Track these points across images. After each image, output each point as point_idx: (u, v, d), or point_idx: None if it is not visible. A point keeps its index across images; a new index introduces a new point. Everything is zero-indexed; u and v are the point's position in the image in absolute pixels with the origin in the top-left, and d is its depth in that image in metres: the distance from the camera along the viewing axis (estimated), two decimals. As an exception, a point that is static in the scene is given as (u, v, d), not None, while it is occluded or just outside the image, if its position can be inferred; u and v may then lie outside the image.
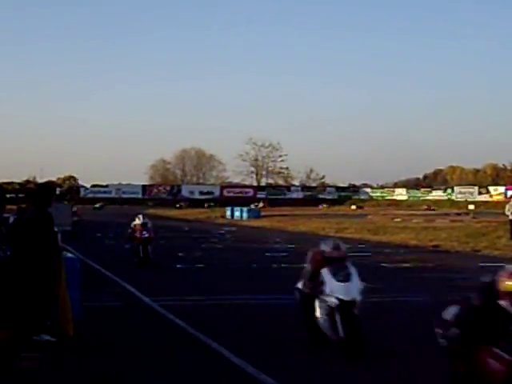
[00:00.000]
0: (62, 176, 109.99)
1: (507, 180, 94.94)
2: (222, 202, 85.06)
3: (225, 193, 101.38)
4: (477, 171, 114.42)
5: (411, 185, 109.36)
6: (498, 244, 24.97)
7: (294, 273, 17.19)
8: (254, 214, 57.78)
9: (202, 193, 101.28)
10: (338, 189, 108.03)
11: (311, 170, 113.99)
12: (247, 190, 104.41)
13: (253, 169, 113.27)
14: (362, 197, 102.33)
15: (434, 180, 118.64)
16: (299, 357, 8.09)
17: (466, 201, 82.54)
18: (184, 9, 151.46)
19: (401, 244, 27.56)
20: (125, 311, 11.34)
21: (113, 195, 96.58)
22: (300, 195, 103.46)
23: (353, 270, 8.38)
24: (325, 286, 8.07)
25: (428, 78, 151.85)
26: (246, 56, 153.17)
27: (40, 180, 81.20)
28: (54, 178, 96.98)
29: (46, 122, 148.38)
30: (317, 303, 8.27)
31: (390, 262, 19.91)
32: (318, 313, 8.26)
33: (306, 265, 9.43)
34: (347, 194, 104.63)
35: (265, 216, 56.49)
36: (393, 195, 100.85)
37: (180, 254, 21.71)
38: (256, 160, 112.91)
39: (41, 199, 9.14)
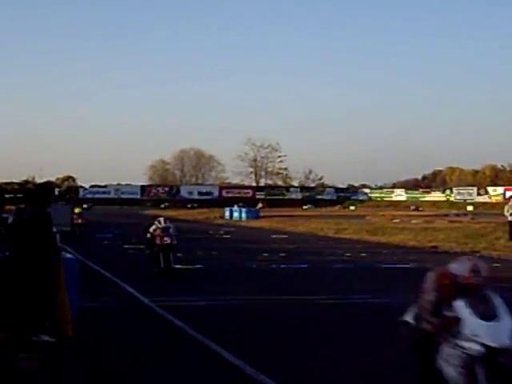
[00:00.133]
0: (60, 176, 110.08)
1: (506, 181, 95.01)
2: (221, 202, 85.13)
3: (224, 193, 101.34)
4: (476, 172, 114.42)
5: (410, 186, 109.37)
6: (496, 245, 24.98)
7: (293, 273, 17.34)
8: (253, 215, 57.77)
9: (200, 193, 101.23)
10: (337, 189, 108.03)
11: (310, 171, 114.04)
12: (246, 190, 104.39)
13: (252, 169, 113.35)
14: (361, 197, 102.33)
15: (432, 181, 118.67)
16: (298, 357, 8.09)
17: (465, 202, 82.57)
18: (184, 9, 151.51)
19: (399, 245, 27.58)
20: (124, 312, 11.34)
21: (112, 196, 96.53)
22: (299, 196, 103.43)
23: (499, 302, 6.13)
24: (461, 326, 5.71)
25: (427, 79, 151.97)
26: (245, 56, 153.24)
27: (39, 180, 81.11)
28: (52, 179, 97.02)
29: (46, 122, 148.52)
30: (445, 349, 5.85)
31: (388, 262, 19.91)
32: (447, 363, 5.89)
33: (426, 292, 6.62)
34: (346, 194, 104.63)
35: (264, 216, 56.48)
36: (392, 196, 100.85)
37: (178, 255, 21.69)
38: (255, 160, 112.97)
39: (39, 199, 9.15)
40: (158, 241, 16.02)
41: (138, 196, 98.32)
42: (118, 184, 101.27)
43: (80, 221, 29.53)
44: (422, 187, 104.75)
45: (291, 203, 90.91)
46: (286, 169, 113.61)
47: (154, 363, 7.69)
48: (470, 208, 71.20)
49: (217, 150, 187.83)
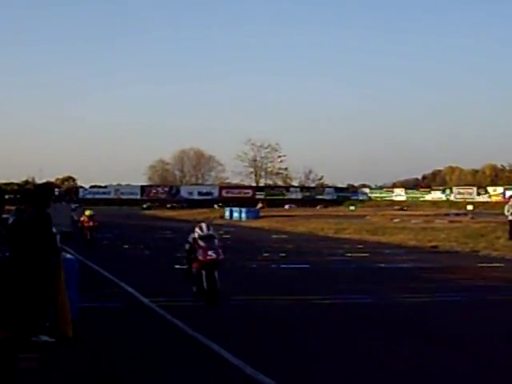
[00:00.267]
0: (60, 177, 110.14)
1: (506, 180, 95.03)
2: (221, 202, 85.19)
3: (224, 193, 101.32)
4: (475, 172, 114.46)
5: (410, 185, 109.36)
6: (496, 244, 24.98)
7: (293, 273, 17.31)
8: (253, 215, 57.77)
9: (200, 193, 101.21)
10: (337, 189, 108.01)
11: (310, 171, 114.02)
12: (246, 190, 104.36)
13: (252, 169, 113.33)
14: (361, 197, 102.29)
15: (432, 180, 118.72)
16: (298, 357, 8.08)
17: (465, 201, 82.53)
18: (184, 9, 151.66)
19: (400, 244, 27.58)
20: (123, 312, 11.32)
21: (112, 196, 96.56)
22: (299, 196, 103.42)
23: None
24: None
25: (427, 79, 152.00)
26: (245, 57, 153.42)
27: (39, 181, 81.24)
28: (52, 179, 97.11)
29: (45, 122, 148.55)
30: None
31: (388, 262, 19.91)
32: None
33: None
34: (346, 194, 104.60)
35: (264, 216, 56.49)
36: (391, 196, 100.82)
37: (179, 255, 21.66)
38: (255, 161, 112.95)
39: (39, 200, 9.13)
40: (200, 255, 12.19)
41: (138, 196, 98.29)
42: (118, 184, 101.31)
43: (91, 223, 26.20)
44: (421, 187, 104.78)
45: (291, 203, 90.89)
46: (285, 169, 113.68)
47: (154, 363, 7.67)
48: (469, 207, 71.22)
49: (217, 150, 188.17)
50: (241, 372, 7.30)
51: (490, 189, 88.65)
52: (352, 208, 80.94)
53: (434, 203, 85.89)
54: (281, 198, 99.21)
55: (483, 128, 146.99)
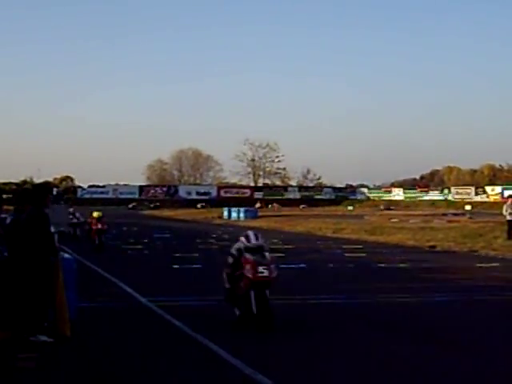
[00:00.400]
0: (58, 176, 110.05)
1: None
2: (219, 202, 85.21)
3: (222, 193, 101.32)
4: (474, 171, 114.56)
5: (408, 185, 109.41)
6: (494, 244, 24.99)
7: (292, 273, 17.28)
8: (251, 215, 57.77)
9: (198, 193, 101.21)
10: (335, 189, 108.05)
11: (308, 171, 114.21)
12: (244, 190, 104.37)
13: (250, 169, 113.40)
14: (359, 197, 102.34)
15: (430, 180, 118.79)
16: (297, 357, 8.07)
17: (463, 201, 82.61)
18: (183, 9, 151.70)
19: (398, 244, 27.57)
20: (122, 312, 11.31)
21: (110, 196, 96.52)
22: (297, 196, 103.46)
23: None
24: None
25: (425, 79, 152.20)
26: (243, 57, 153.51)
27: (37, 180, 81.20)
28: (50, 179, 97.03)
29: (43, 122, 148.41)
30: None
31: (387, 262, 19.90)
32: None
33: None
34: (344, 194, 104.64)
35: (262, 216, 56.48)
36: (390, 196, 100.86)
37: (177, 255, 21.68)
38: (253, 160, 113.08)
39: (37, 200, 9.11)
40: (248, 272, 9.63)
41: (136, 196, 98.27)
42: (116, 184, 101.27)
43: (100, 226, 23.67)
44: (420, 187, 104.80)
45: (289, 203, 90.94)
46: (284, 169, 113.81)
47: (153, 363, 7.66)
48: (468, 207, 71.30)
49: (215, 150, 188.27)
50: (240, 372, 7.29)
51: (488, 188, 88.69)
52: (350, 208, 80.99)
53: (433, 203, 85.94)
54: (279, 197, 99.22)
55: (481, 128, 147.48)
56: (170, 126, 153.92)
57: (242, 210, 59.50)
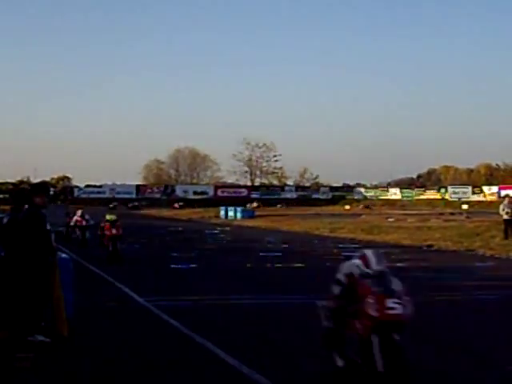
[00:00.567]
0: (55, 176, 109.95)
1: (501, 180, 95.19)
2: (216, 201, 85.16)
3: (219, 193, 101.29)
4: (470, 171, 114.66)
5: (405, 184, 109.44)
6: (491, 243, 25.02)
7: (289, 273, 17.30)
8: (248, 214, 57.78)
9: (195, 193, 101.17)
10: (332, 189, 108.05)
11: (305, 170, 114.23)
12: (241, 189, 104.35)
13: (247, 169, 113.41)
14: (356, 197, 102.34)
15: (427, 180, 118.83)
16: (295, 357, 8.08)
17: (460, 200, 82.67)
18: (181, 10, 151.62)
19: (395, 244, 27.58)
20: (119, 312, 11.30)
21: (107, 195, 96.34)
22: (294, 195, 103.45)
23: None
24: None
25: (423, 79, 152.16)
26: (240, 56, 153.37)
27: (34, 180, 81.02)
28: (47, 178, 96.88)
29: (40, 121, 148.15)
30: None
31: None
32: None
33: None
34: (341, 193, 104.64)
35: (259, 216, 56.49)
36: (386, 195, 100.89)
37: (174, 254, 21.68)
38: (250, 160, 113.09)
39: (33, 200, 9.08)
40: (371, 308, 6.55)
41: (133, 196, 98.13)
42: (113, 184, 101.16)
43: (114, 232, 20.13)
44: (416, 186, 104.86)
45: (286, 202, 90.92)
46: (280, 168, 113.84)
47: (150, 363, 7.65)
48: (464, 207, 71.33)
49: (212, 149, 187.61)
50: (237, 372, 7.29)
51: (484, 188, 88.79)
52: (347, 207, 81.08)
53: (429, 202, 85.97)
54: (276, 197, 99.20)
55: (478, 127, 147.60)
56: (167, 125, 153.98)
57: (238, 209, 59.55)
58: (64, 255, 11.07)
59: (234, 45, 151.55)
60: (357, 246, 26.09)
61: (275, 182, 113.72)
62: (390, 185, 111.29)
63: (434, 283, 15.05)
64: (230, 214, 58.89)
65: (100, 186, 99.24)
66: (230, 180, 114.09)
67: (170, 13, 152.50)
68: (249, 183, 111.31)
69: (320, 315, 7.43)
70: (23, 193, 9.45)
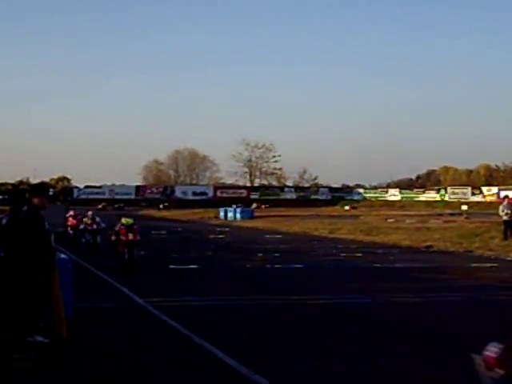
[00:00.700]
0: (55, 177, 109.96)
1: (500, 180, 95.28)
2: (216, 202, 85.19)
3: (218, 193, 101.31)
4: (470, 172, 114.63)
5: (404, 185, 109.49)
6: (491, 244, 25.00)
7: (288, 273, 17.31)
8: (248, 215, 57.79)
9: (195, 193, 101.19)
10: (331, 189, 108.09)
11: (304, 171, 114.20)
12: (241, 190, 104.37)
13: (246, 169, 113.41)
14: (356, 197, 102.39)
15: (427, 181, 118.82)
16: (294, 358, 8.08)
17: (459, 201, 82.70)
18: (180, 11, 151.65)
19: (394, 245, 27.58)
20: (118, 312, 11.31)
21: (106, 196, 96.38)
22: (293, 196, 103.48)
23: None
24: None
25: (421, 79, 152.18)
26: (239, 57, 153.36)
27: (33, 181, 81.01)
28: (47, 179, 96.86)
29: (39, 122, 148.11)
30: None
31: (383, 262, 19.92)
32: None
33: None
34: (340, 194, 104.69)
35: (258, 217, 56.49)
36: (386, 196, 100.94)
37: (173, 255, 21.69)
38: (249, 161, 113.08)
39: (32, 200, 9.08)
40: None
41: (133, 196, 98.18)
42: (113, 184, 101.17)
43: (131, 237, 17.57)
44: (416, 187, 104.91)
45: (285, 203, 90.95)
46: (280, 169, 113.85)
47: (149, 364, 7.66)
48: (464, 207, 71.35)
49: (211, 150, 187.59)
50: (236, 372, 7.29)
51: (484, 189, 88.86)
52: (346, 208, 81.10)
53: (429, 203, 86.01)
54: (275, 198, 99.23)
55: (477, 128, 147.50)
56: (166, 126, 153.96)
57: (238, 210, 59.58)
58: (63, 256, 11.07)
59: (234, 45, 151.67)
60: (356, 246, 26.16)
61: (274, 183, 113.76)
62: (389, 186, 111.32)
63: (431, 284, 15.05)
64: (230, 214, 58.91)
65: (99, 187, 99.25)
66: (230, 181, 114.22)
67: (168, 13, 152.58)
68: (248, 184, 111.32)
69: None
70: (22, 193, 9.42)
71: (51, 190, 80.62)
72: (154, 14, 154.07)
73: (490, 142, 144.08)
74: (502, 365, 3.76)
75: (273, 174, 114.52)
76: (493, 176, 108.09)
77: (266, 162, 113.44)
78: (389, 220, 46.25)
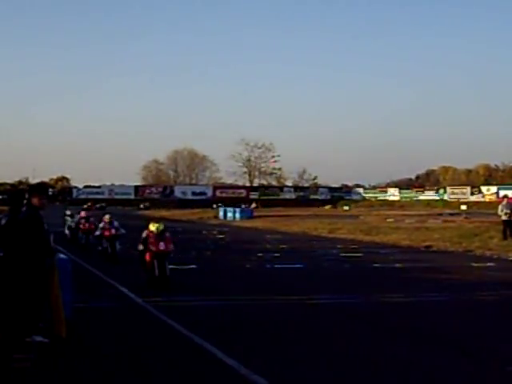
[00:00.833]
0: (54, 177, 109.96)
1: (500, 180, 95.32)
2: (215, 202, 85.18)
3: (217, 193, 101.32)
4: (469, 171, 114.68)
5: (403, 185, 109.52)
6: (490, 244, 25.01)
7: (288, 273, 17.30)
8: (247, 215, 57.80)
9: (194, 193, 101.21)
10: (331, 189, 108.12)
11: (304, 171, 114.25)
12: (240, 190, 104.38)
13: (245, 169, 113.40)
14: (355, 197, 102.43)
15: (426, 180, 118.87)
16: (293, 358, 8.07)
17: (459, 201, 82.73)
18: (178, 11, 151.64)
19: (393, 244, 27.58)
20: (118, 312, 11.29)
21: (105, 196, 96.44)
22: (293, 196, 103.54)
23: None
24: None
25: (420, 79, 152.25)
26: (238, 57, 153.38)
27: (32, 181, 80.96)
28: (46, 179, 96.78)
29: (38, 122, 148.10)
30: None
31: (383, 262, 19.91)
32: None
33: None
34: (340, 194, 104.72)
35: (257, 216, 56.48)
36: (385, 196, 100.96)
37: (171, 255, 21.62)
38: (249, 160, 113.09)
39: (30, 200, 9.06)
40: None
41: (132, 196, 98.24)
42: (112, 184, 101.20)
43: (162, 247, 14.37)
44: (415, 187, 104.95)
45: (285, 203, 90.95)
46: (279, 169, 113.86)
47: (149, 364, 7.65)
48: (463, 207, 71.36)
49: (210, 150, 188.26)
50: (235, 373, 7.28)
51: (483, 188, 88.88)
52: (346, 208, 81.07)
53: (428, 203, 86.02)
54: (274, 198, 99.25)
55: (477, 128, 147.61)
56: (166, 126, 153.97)
57: (237, 210, 59.64)
58: (62, 256, 11.06)
59: (233, 45, 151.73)
60: (356, 246, 26.16)
61: (274, 183, 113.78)
62: (388, 185, 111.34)
63: (431, 283, 15.05)
64: (229, 214, 58.93)
65: (99, 187, 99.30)
66: (229, 181, 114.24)
67: (167, 13, 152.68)
68: (247, 184, 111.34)
69: None
70: (21, 194, 9.41)
71: (50, 190, 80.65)
72: (154, 14, 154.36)
73: (490, 141, 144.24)
74: None
75: (272, 173, 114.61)
76: (492, 176, 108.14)
77: (266, 161, 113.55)
78: (388, 220, 46.26)
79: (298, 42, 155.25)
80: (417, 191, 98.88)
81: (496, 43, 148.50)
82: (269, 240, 30.40)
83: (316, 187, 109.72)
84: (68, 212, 30.72)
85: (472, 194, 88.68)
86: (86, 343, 8.69)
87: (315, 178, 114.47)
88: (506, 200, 27.95)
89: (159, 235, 14.67)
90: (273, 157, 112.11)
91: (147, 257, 14.53)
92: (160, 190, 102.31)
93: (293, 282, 15.79)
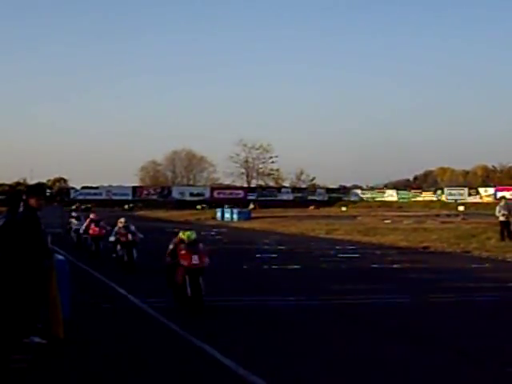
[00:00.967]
0: (52, 178, 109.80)
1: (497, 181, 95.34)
2: (213, 203, 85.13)
3: (215, 194, 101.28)
4: (467, 172, 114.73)
5: (401, 186, 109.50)
6: (487, 245, 25.04)
7: (285, 274, 17.31)
8: (245, 216, 57.79)
9: (192, 194, 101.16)
10: (329, 190, 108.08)
11: (301, 172, 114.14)
12: (238, 191, 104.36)
13: (243, 170, 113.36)
14: (353, 198, 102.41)
15: (424, 181, 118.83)
16: (291, 359, 8.08)
17: (456, 202, 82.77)
18: (177, 12, 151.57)
19: (391, 245, 27.59)
20: (115, 313, 11.29)
21: (103, 197, 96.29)
22: (290, 197, 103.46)
23: None
24: None
25: (418, 80, 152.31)
26: (236, 57, 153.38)
27: (30, 182, 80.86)
28: (44, 180, 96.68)
29: (36, 123, 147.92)
30: None
31: (380, 263, 19.93)
32: None
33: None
34: (338, 195, 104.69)
35: (255, 217, 56.47)
36: (383, 196, 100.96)
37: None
38: (246, 161, 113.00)
39: (28, 201, 9.07)
40: None
41: (130, 197, 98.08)
42: (110, 185, 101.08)
43: (195, 260, 11.81)
44: (413, 188, 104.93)
45: (283, 204, 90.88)
46: (277, 170, 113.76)
47: (146, 364, 7.65)
48: (461, 208, 71.40)
49: (208, 151, 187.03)
50: (233, 373, 7.29)
51: (481, 189, 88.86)
52: (344, 209, 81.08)
53: (426, 204, 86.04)
54: (272, 199, 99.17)
55: (474, 129, 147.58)
56: (164, 127, 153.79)
57: (235, 210, 59.63)
58: (60, 257, 11.06)
59: (232, 45, 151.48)
60: (353, 247, 26.17)
61: (271, 184, 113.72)
62: (386, 186, 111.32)
63: (429, 284, 15.06)
64: (227, 215, 58.93)
65: (96, 188, 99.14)
66: (227, 182, 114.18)
67: (167, 14, 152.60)
68: (245, 185, 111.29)
69: None
70: (19, 194, 9.42)
71: (48, 190, 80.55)
72: (154, 14, 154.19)
73: (487, 142, 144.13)
74: None
75: (270, 174, 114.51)
76: (490, 177, 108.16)
77: (263, 162, 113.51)
78: (386, 221, 46.28)
79: (297, 43, 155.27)
80: (414, 192, 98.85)
81: (496, 43, 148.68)
82: (266, 241, 30.39)
83: (314, 188, 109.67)
84: (74, 214, 28.16)
85: (469, 195, 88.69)
86: (83, 344, 8.67)
87: (313, 179, 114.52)
88: (503, 201, 28.00)
89: (191, 246, 12.13)
90: (271, 157, 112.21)
91: (178, 273, 11.92)
92: (158, 190, 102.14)
93: (290, 283, 15.79)
